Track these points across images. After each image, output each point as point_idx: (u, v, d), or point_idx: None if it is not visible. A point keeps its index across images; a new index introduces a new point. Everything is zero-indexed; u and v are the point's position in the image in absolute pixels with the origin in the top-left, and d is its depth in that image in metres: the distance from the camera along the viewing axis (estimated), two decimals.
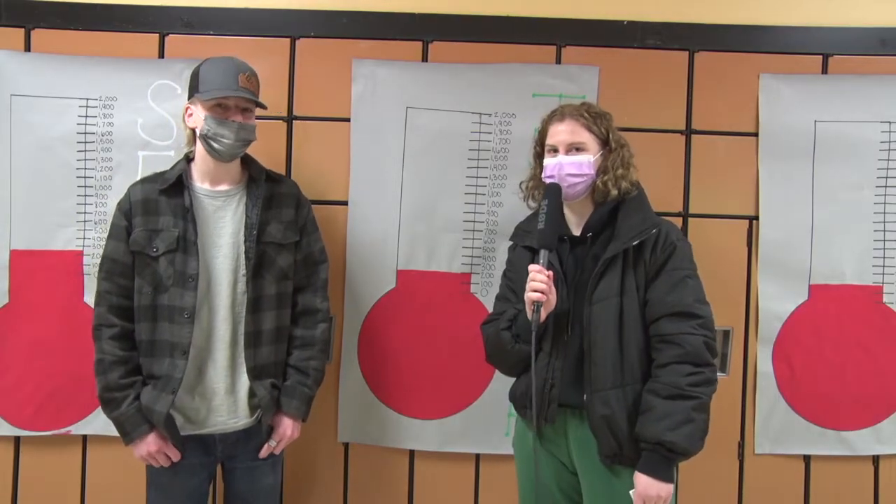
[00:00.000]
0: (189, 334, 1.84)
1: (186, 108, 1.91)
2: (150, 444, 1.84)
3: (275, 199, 1.97)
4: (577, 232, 1.83)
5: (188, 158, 1.95)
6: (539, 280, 1.69)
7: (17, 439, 2.31)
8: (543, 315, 1.73)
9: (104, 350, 1.86)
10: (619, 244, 1.73)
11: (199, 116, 1.87)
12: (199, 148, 1.91)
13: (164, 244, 1.86)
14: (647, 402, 1.67)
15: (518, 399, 1.87)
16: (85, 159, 2.26)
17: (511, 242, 2.00)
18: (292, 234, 1.98)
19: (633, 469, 1.69)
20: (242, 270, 1.89)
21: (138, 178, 2.20)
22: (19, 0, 2.28)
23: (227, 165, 1.91)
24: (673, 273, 1.72)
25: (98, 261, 2.23)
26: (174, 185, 1.89)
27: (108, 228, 1.93)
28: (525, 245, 1.90)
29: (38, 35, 2.28)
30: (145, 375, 1.88)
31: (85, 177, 2.26)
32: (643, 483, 1.65)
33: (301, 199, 2.04)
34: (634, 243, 1.73)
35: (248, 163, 1.98)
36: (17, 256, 2.25)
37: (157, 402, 1.83)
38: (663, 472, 1.65)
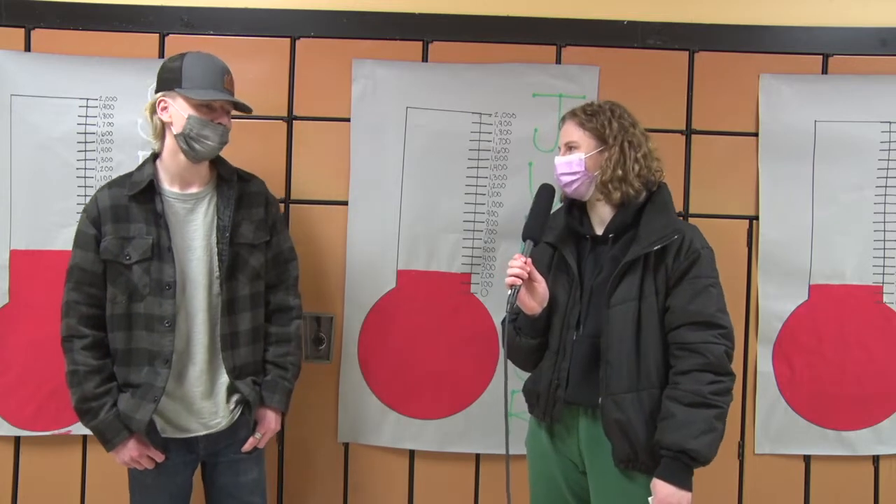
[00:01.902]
0: (171, 343, 1.83)
1: (159, 101, 1.83)
2: (131, 449, 1.83)
3: (244, 198, 1.94)
4: (599, 231, 1.83)
5: (154, 156, 1.90)
6: (515, 266, 1.73)
7: (17, 439, 2.31)
8: (538, 307, 1.78)
9: (77, 361, 1.82)
10: (639, 248, 1.72)
11: (179, 113, 1.81)
12: (170, 146, 1.85)
13: (138, 252, 1.82)
14: (669, 409, 1.66)
15: (527, 398, 1.88)
16: (85, 159, 2.26)
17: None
18: (263, 234, 1.96)
19: (647, 474, 1.69)
20: (216, 273, 1.87)
21: None
22: (19, 0, 2.28)
23: (198, 166, 1.88)
24: (696, 281, 1.71)
25: None
26: (143, 190, 1.84)
27: (75, 237, 1.87)
28: (548, 241, 1.88)
29: (38, 35, 2.28)
30: (121, 383, 1.85)
31: (85, 177, 2.26)
32: (664, 491, 1.64)
33: (269, 197, 2.02)
34: (655, 248, 1.71)
35: (216, 162, 1.93)
36: (17, 256, 2.25)
37: (137, 411, 1.81)
38: (684, 479, 1.65)
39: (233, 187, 1.91)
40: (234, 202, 1.90)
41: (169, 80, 1.83)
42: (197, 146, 1.82)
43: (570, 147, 1.82)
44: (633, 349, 1.71)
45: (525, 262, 1.74)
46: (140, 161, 2.24)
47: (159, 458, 1.86)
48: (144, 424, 1.81)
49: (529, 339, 1.83)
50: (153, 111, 1.84)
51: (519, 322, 1.84)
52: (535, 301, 1.79)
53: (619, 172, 1.75)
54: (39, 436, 2.28)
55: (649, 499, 1.66)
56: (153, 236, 1.82)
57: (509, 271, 1.74)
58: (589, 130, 1.79)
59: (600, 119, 1.79)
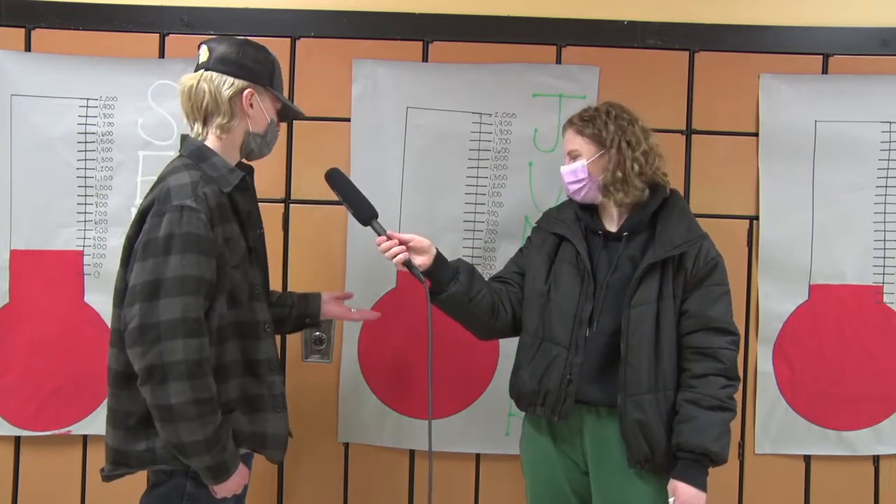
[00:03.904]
0: (275, 346, 1.70)
1: (251, 93, 1.63)
2: (240, 473, 1.62)
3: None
4: (610, 228, 1.83)
5: (206, 150, 1.64)
6: (388, 247, 1.76)
7: (17, 439, 2.31)
8: (428, 258, 1.78)
9: (212, 388, 1.53)
10: (660, 250, 1.73)
11: (262, 113, 1.66)
12: (235, 140, 1.66)
13: (238, 255, 1.62)
14: (689, 412, 1.68)
15: (526, 398, 1.84)
16: (85, 159, 2.26)
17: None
18: None
19: (658, 475, 1.70)
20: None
21: (139, 178, 2.21)
22: (19, 0, 2.28)
23: None
24: (713, 288, 1.75)
25: (99, 260, 2.24)
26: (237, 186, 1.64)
27: (179, 240, 1.51)
28: (554, 232, 1.88)
29: (38, 35, 2.28)
30: (236, 398, 1.63)
31: (85, 177, 2.26)
32: (688, 492, 1.66)
33: None
34: (678, 252, 1.73)
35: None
36: (17, 256, 2.25)
37: (268, 425, 1.65)
38: (702, 480, 1.68)
39: (253, 187, 1.80)
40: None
41: (259, 74, 1.65)
42: (265, 150, 1.72)
43: (571, 155, 1.83)
44: (652, 350, 1.72)
45: (390, 238, 1.76)
46: (141, 161, 2.25)
47: (246, 478, 1.67)
48: (286, 438, 1.67)
49: (450, 293, 1.81)
50: (230, 97, 1.61)
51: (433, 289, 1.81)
52: (423, 255, 1.79)
53: (619, 174, 1.76)
54: (39, 436, 2.27)
55: (670, 500, 1.68)
56: (243, 236, 1.65)
57: (389, 255, 1.76)
58: (587, 136, 1.81)
59: (597, 124, 1.80)
